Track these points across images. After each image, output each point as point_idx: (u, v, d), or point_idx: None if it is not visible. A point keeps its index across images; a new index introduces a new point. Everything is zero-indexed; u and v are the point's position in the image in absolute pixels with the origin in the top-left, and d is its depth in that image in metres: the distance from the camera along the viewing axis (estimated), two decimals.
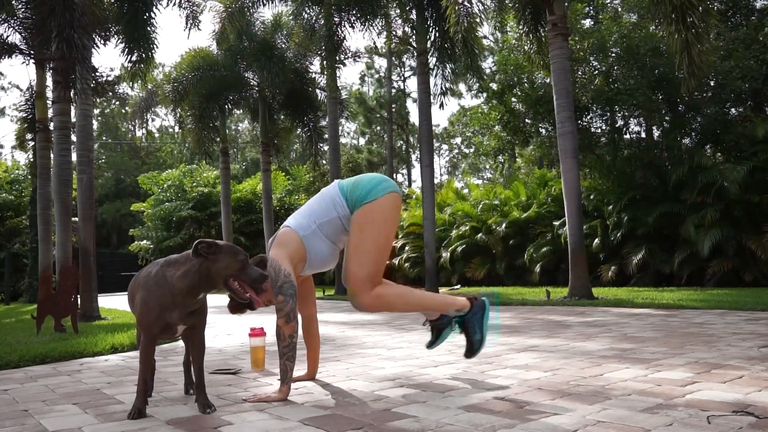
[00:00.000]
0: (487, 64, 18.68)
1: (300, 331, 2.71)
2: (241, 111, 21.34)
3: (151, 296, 2.20)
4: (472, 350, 2.68)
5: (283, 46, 15.89)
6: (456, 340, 4.24)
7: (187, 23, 11.51)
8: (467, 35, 9.04)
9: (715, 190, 10.18)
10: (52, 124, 10.20)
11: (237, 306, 2.59)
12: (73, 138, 9.58)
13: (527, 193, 14.74)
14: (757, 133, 10.22)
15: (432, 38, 11.83)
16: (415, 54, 12.06)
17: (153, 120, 44.38)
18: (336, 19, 12.53)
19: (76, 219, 9.18)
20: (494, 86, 15.31)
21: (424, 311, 2.70)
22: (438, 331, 2.82)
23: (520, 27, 11.07)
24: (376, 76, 33.60)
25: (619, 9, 14.58)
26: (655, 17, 8.26)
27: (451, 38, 9.74)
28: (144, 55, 10.08)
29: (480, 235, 14.73)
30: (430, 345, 2.88)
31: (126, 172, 38.75)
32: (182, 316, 2.24)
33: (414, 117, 31.24)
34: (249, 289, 2.23)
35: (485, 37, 21.24)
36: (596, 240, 11.89)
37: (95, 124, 37.50)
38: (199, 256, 2.17)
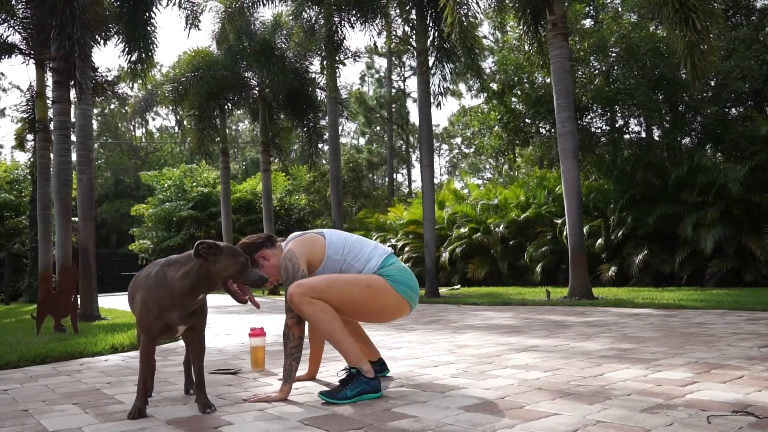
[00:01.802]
0: (487, 64, 18.69)
1: (306, 332, 2.70)
2: (241, 111, 21.34)
3: (151, 296, 2.20)
4: (331, 394, 2.34)
5: (283, 46, 15.88)
6: (456, 340, 4.25)
7: (186, 23, 11.52)
8: (465, 35, 9.03)
9: (715, 190, 10.18)
10: (52, 124, 10.21)
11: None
12: (73, 138, 9.59)
13: (527, 194, 14.74)
14: (760, 132, 10.21)
15: (432, 38, 11.83)
16: (415, 54, 12.05)
17: (153, 120, 44.44)
18: (336, 19, 12.52)
19: (76, 219, 9.18)
20: (494, 86, 15.32)
21: (337, 349, 2.47)
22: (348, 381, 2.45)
23: (520, 27, 11.07)
24: (376, 76, 33.61)
25: (620, 9, 14.58)
26: (658, 18, 8.26)
27: (450, 37, 9.73)
28: (144, 55, 10.08)
29: (478, 234, 14.74)
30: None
31: (126, 172, 38.75)
32: (182, 316, 2.24)
33: (414, 117, 31.26)
34: (248, 292, 2.22)
35: (485, 37, 21.26)
36: (599, 240, 11.89)
37: (95, 124, 37.52)
38: (199, 257, 2.17)
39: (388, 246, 2.91)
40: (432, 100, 11.75)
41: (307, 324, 2.58)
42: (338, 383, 2.42)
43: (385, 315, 2.61)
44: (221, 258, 2.17)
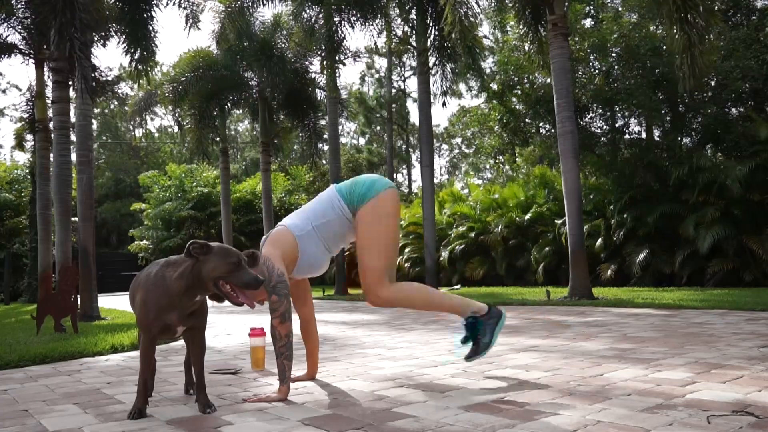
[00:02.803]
0: (487, 64, 18.69)
1: (298, 332, 2.70)
2: (241, 111, 21.34)
3: (150, 297, 2.20)
4: (476, 352, 2.65)
5: (283, 46, 15.88)
6: (456, 340, 4.24)
7: (186, 23, 11.51)
8: (466, 35, 9.04)
9: (715, 190, 10.18)
10: (51, 124, 10.21)
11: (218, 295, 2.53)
12: (73, 138, 9.59)
13: (526, 194, 14.74)
14: (760, 133, 10.21)
15: (432, 38, 11.83)
16: (415, 54, 12.05)
17: (152, 119, 44.43)
18: (336, 19, 12.53)
19: (76, 219, 9.18)
20: (494, 86, 15.31)
21: (442, 310, 2.70)
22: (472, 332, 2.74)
23: (521, 27, 11.07)
24: (376, 76, 33.62)
25: (620, 9, 14.59)
26: (657, 17, 8.27)
27: (450, 37, 9.73)
28: (145, 55, 10.08)
29: (473, 234, 14.75)
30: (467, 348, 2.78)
31: (126, 172, 38.76)
32: (181, 317, 2.23)
33: (414, 117, 31.26)
34: (242, 294, 2.15)
35: (485, 37, 21.24)
36: (598, 240, 11.89)
37: (95, 124, 37.53)
38: (191, 257, 2.14)
39: None
40: (433, 100, 11.76)
41: (297, 323, 2.59)
42: (473, 342, 2.65)
43: (399, 211, 2.72)
44: (210, 258, 2.13)
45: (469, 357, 2.69)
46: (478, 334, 2.60)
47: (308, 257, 2.61)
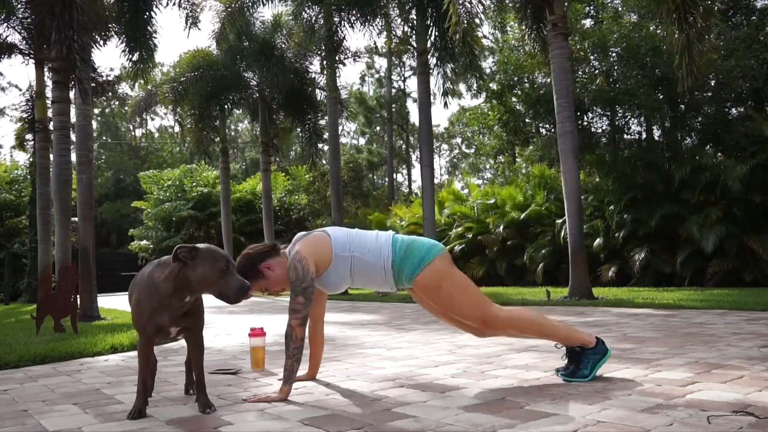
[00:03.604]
0: (487, 64, 18.69)
1: (306, 332, 2.70)
2: (241, 111, 21.34)
3: (143, 298, 2.19)
4: (571, 375, 2.52)
5: (283, 46, 15.88)
6: (456, 340, 4.24)
7: (186, 23, 11.51)
8: (466, 35, 9.03)
9: (717, 190, 10.17)
10: (51, 124, 10.21)
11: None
12: (73, 138, 9.59)
13: (525, 194, 14.73)
14: (763, 132, 10.19)
15: (432, 38, 11.83)
16: (415, 54, 12.05)
17: (153, 119, 44.43)
18: (336, 19, 12.52)
19: (76, 219, 9.18)
20: (494, 86, 15.31)
21: (553, 339, 2.60)
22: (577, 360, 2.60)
23: (521, 27, 11.07)
24: (376, 76, 33.61)
25: (620, 9, 14.59)
26: (656, 16, 8.27)
27: (451, 38, 9.73)
28: (145, 55, 10.09)
29: (472, 234, 14.74)
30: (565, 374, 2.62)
31: (126, 171, 38.74)
32: (173, 318, 2.21)
33: (414, 117, 31.23)
34: (234, 298, 2.13)
35: (485, 37, 21.24)
36: (598, 240, 11.88)
37: (95, 124, 37.52)
38: (178, 261, 2.12)
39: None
40: (433, 100, 11.76)
41: (308, 325, 2.58)
42: (571, 362, 2.56)
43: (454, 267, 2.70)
44: (197, 263, 2.09)
45: (563, 374, 2.56)
46: (581, 364, 2.53)
47: (332, 278, 2.59)
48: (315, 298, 2.76)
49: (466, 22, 8.90)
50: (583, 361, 2.53)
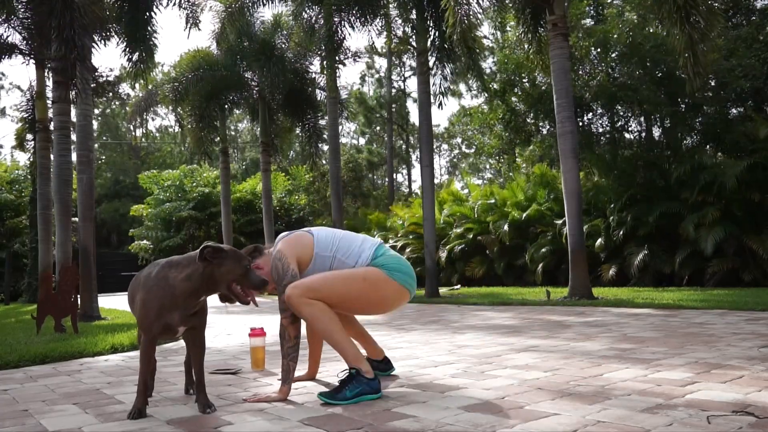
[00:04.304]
0: (487, 64, 18.70)
1: (304, 332, 2.71)
2: (241, 111, 21.34)
3: (152, 297, 2.21)
4: (332, 396, 2.33)
5: (283, 46, 15.88)
6: (456, 340, 4.24)
7: (186, 23, 11.50)
8: (466, 35, 9.02)
9: (716, 189, 10.17)
10: (52, 124, 10.21)
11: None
12: (73, 138, 9.58)
13: (525, 194, 14.73)
14: (759, 132, 10.20)
15: (432, 38, 11.82)
16: (415, 54, 12.04)
17: (153, 120, 44.43)
18: (336, 19, 12.51)
19: (76, 219, 9.18)
20: (495, 86, 15.31)
21: (336, 349, 2.45)
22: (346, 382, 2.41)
23: (520, 27, 11.07)
24: (376, 76, 33.61)
25: (621, 8, 14.59)
26: (658, 16, 8.25)
27: (450, 38, 9.73)
28: (145, 55, 10.08)
29: (472, 234, 14.74)
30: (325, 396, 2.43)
31: (126, 172, 38.74)
32: (183, 317, 2.25)
33: (414, 117, 31.22)
34: (250, 293, 2.29)
35: (485, 37, 21.23)
36: (599, 240, 11.88)
37: (95, 124, 37.48)
38: (204, 261, 2.20)
39: (389, 246, 2.85)
40: (432, 100, 11.75)
41: (304, 323, 2.58)
42: (338, 383, 2.41)
43: (386, 305, 2.61)
44: (225, 262, 2.21)
45: (322, 395, 2.37)
46: (348, 385, 2.33)
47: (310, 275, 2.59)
48: None
49: (466, 22, 8.89)
50: (351, 384, 2.33)
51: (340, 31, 12.62)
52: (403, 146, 34.60)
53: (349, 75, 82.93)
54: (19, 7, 11.05)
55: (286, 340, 2.45)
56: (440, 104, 12.23)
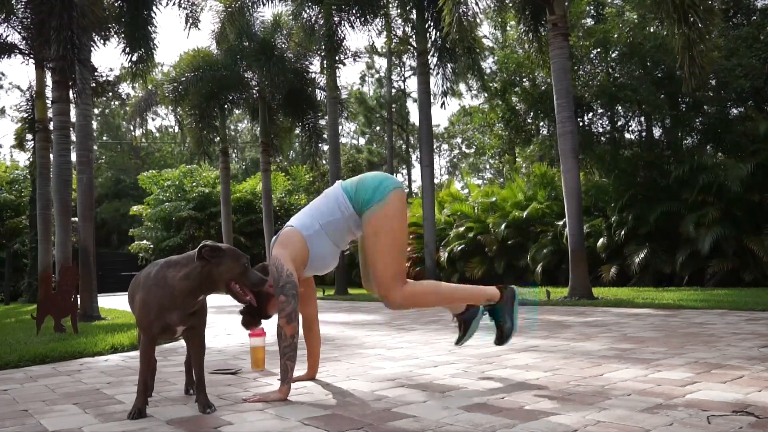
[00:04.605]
0: (488, 63, 18.69)
1: (301, 332, 2.71)
2: (241, 111, 21.35)
3: (151, 297, 2.21)
4: (502, 337, 2.70)
5: (283, 46, 15.88)
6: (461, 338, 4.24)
7: (186, 23, 11.51)
8: (465, 35, 9.03)
9: (716, 189, 10.17)
10: (51, 124, 10.21)
11: (250, 320, 2.62)
12: (73, 138, 9.58)
13: (525, 193, 14.73)
14: (760, 131, 10.19)
15: (432, 38, 11.83)
16: (415, 54, 12.05)
17: (153, 119, 44.43)
18: (336, 19, 12.52)
19: (76, 219, 9.18)
20: (495, 85, 15.31)
21: (453, 305, 2.70)
22: (466, 324, 2.84)
23: (521, 27, 11.07)
24: (376, 76, 33.59)
25: (621, 7, 14.59)
26: (657, 16, 8.25)
27: (450, 38, 9.74)
28: (144, 55, 10.08)
29: (472, 233, 14.73)
30: (459, 341, 2.92)
31: (126, 172, 38.74)
32: (182, 317, 2.24)
33: (414, 117, 31.22)
34: (249, 292, 2.28)
35: (485, 36, 21.24)
36: (600, 240, 11.87)
37: (95, 124, 37.51)
38: (202, 260, 2.19)
39: None
40: (433, 100, 11.76)
41: (300, 323, 2.59)
42: (496, 327, 2.70)
43: (406, 211, 2.71)
44: (224, 260, 2.20)
45: (497, 342, 2.74)
46: (500, 321, 2.61)
47: (319, 255, 2.62)
48: (304, 298, 2.78)
49: (465, 23, 8.89)
50: (501, 318, 2.62)
51: (340, 31, 12.63)
52: (403, 146, 34.60)
53: (349, 75, 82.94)
54: (19, 6, 11.05)
55: (283, 340, 2.45)
56: (443, 104, 12.25)
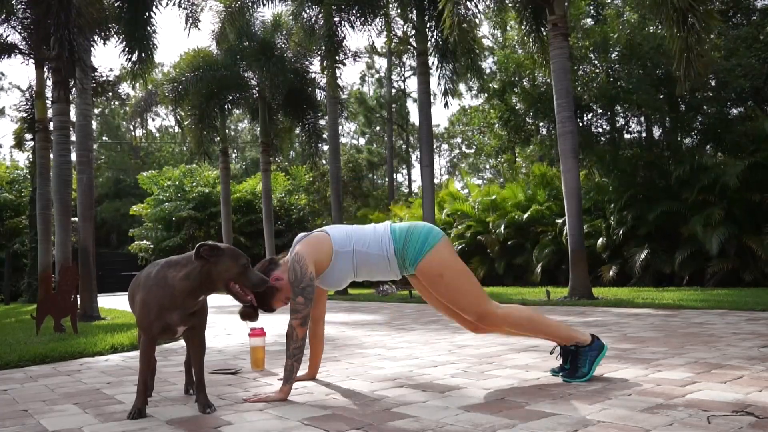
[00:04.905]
0: (488, 63, 18.70)
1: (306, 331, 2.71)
2: (241, 111, 21.34)
3: (151, 297, 2.20)
4: (570, 376, 2.53)
5: (283, 46, 15.88)
6: (456, 340, 4.24)
7: (186, 23, 11.50)
8: (465, 36, 9.03)
9: (717, 189, 10.16)
10: (51, 124, 10.21)
11: (251, 313, 2.56)
12: (73, 138, 9.58)
13: (525, 194, 14.73)
14: (760, 130, 10.17)
15: (432, 38, 11.83)
16: (416, 54, 12.05)
17: (153, 120, 44.43)
18: (336, 19, 12.52)
19: (76, 219, 9.18)
20: (495, 85, 15.31)
21: (545, 336, 2.63)
22: (574, 358, 2.60)
23: (521, 27, 11.08)
24: (376, 76, 33.59)
25: (621, 8, 14.59)
26: (657, 18, 8.26)
27: (449, 38, 9.74)
28: (144, 55, 10.08)
29: (471, 232, 14.73)
30: (560, 373, 2.66)
31: (126, 172, 38.73)
32: (182, 317, 2.24)
33: (414, 117, 31.21)
34: (249, 292, 2.26)
35: (485, 37, 21.24)
36: (600, 240, 11.87)
37: (95, 124, 37.50)
38: (201, 259, 2.18)
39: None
40: (433, 100, 11.77)
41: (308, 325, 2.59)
42: (569, 365, 2.56)
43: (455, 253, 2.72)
44: (222, 260, 2.18)
45: (563, 376, 2.57)
46: (578, 362, 2.54)
47: (335, 273, 2.61)
48: (315, 298, 2.76)
49: (465, 23, 8.89)
50: (580, 360, 2.54)
51: (340, 31, 12.62)
52: (403, 146, 34.58)
53: (349, 75, 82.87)
54: (19, 6, 11.05)
55: (294, 341, 2.45)
56: (446, 104, 12.25)
